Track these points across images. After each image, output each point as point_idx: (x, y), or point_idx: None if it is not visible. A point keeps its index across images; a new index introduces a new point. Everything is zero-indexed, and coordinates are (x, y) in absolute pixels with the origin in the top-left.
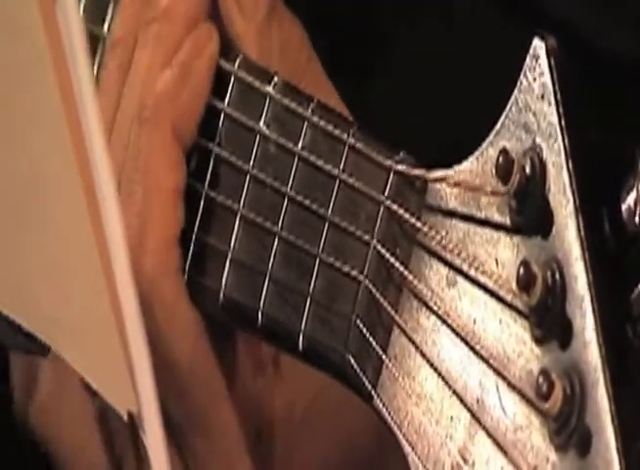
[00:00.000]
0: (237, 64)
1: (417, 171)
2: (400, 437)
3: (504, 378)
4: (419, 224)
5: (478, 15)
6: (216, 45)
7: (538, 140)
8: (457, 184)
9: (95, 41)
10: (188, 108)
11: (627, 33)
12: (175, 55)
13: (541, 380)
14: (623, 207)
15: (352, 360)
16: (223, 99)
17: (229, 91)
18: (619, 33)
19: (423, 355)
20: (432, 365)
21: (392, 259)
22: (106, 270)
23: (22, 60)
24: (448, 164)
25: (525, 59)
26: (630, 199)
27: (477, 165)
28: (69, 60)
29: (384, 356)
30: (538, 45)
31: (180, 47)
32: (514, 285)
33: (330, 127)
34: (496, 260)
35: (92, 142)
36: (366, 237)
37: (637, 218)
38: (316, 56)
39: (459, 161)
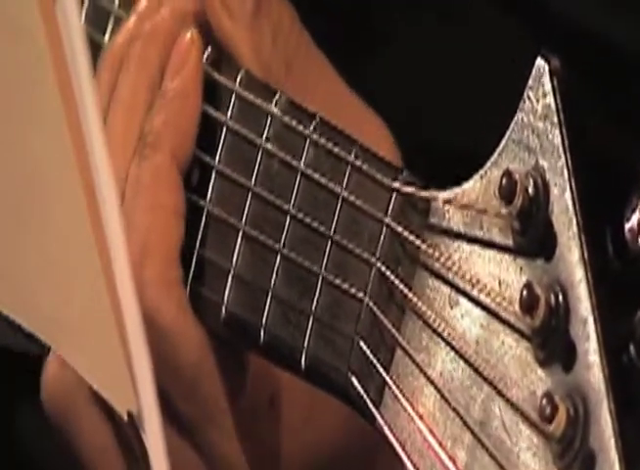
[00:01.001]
0: (238, 81)
1: (420, 192)
2: (403, 456)
3: (507, 400)
4: (421, 244)
5: (477, 11)
6: (199, 48)
7: (541, 161)
8: (460, 205)
9: (95, 48)
10: (184, 127)
11: (628, 26)
12: (162, 75)
13: (545, 402)
14: (627, 227)
15: (355, 380)
16: (225, 115)
17: (231, 108)
18: (621, 26)
19: (425, 376)
20: (434, 386)
21: (395, 279)
22: (106, 270)
23: (22, 60)
24: (446, 165)
25: (524, 56)
26: (634, 219)
27: (480, 186)
28: (69, 60)
29: (386, 376)
30: (541, 65)
31: (165, 67)
32: (517, 306)
33: (332, 146)
34: (499, 281)
35: (92, 142)
36: (368, 256)
37: None
38: (307, 31)
39: (457, 160)
